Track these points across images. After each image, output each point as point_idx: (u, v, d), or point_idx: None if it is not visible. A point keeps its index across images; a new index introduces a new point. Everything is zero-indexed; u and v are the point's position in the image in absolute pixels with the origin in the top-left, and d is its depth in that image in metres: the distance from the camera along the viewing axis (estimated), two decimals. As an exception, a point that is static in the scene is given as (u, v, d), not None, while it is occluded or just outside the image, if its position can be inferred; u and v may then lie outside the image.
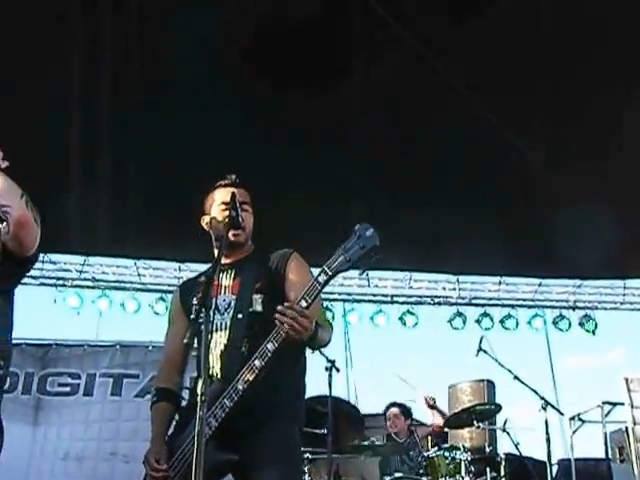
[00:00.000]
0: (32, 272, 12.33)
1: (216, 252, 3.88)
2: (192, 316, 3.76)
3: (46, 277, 12.26)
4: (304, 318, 3.38)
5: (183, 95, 8.45)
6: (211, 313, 3.36)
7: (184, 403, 4.03)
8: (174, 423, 3.93)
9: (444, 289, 12.64)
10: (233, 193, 3.77)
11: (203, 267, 11.49)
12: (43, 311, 12.11)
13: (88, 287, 12.32)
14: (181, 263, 12.16)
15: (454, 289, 12.58)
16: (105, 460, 9.71)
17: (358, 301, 12.56)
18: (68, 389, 10.17)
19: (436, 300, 12.58)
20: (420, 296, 12.65)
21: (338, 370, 6.96)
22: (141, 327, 12.63)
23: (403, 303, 12.62)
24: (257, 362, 3.44)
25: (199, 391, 3.10)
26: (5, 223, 3.48)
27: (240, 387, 3.46)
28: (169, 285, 12.18)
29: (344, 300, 12.44)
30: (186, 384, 4.12)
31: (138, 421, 9.49)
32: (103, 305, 12.24)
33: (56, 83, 8.08)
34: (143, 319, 12.18)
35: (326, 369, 6.84)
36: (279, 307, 3.41)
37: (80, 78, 8.19)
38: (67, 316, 12.22)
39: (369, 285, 12.45)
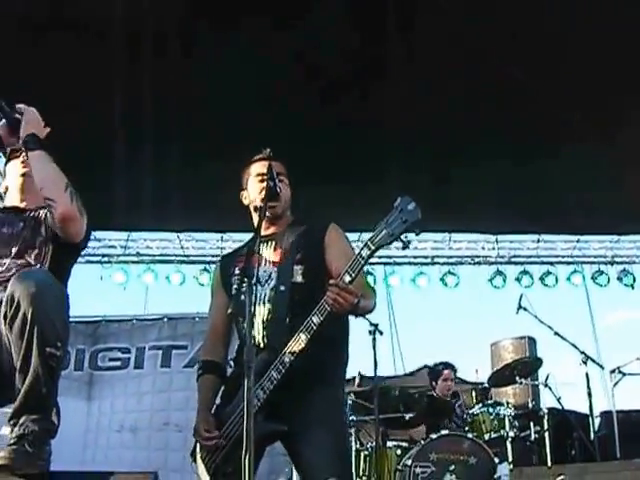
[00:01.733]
0: (78, 251, 12.56)
1: (256, 224, 3.96)
2: (235, 286, 3.94)
3: (91, 255, 12.40)
4: (348, 293, 3.46)
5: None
6: (254, 284, 3.38)
7: (230, 373, 4.12)
8: (220, 393, 4.01)
9: (483, 249, 12.67)
10: (270, 164, 3.84)
11: (245, 236, 11.65)
12: (90, 288, 12.29)
13: (133, 262, 12.49)
14: (223, 233, 12.31)
15: (493, 248, 12.60)
16: (159, 430, 9.95)
17: (399, 264, 12.60)
18: (119, 363, 10.40)
19: (476, 260, 12.62)
20: (460, 256, 12.67)
21: (381, 333, 7.10)
22: (187, 298, 12.79)
23: (444, 264, 12.65)
24: (303, 335, 3.52)
25: (245, 358, 3.16)
26: (51, 215, 3.68)
27: (287, 360, 3.53)
28: (212, 256, 12.32)
29: (385, 263, 12.47)
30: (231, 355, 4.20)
31: (188, 391, 9.60)
32: (149, 279, 12.42)
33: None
34: (188, 290, 12.34)
35: (370, 333, 6.99)
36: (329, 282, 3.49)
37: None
38: (114, 292, 12.45)
39: (409, 247, 12.45)
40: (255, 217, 4.09)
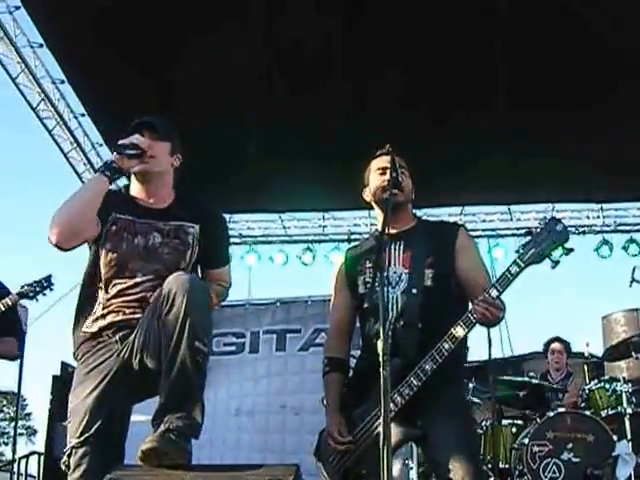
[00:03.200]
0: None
1: (380, 220, 4.08)
2: (366, 284, 3.97)
3: (197, 238, 12.60)
4: (496, 308, 3.53)
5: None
6: (386, 283, 3.45)
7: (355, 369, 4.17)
8: (348, 391, 4.05)
9: (588, 218, 12.47)
10: (392, 157, 3.87)
11: (346, 214, 11.70)
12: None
13: (236, 244, 12.65)
14: (325, 212, 12.39)
15: (598, 217, 12.38)
16: (276, 413, 10.03)
17: (502, 236, 12.47)
18: (234, 348, 10.50)
19: (580, 229, 12.41)
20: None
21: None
22: (290, 279, 12.92)
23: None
24: (446, 345, 3.58)
25: (380, 351, 3.14)
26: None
27: (428, 367, 3.59)
28: (315, 235, 12.48)
29: (488, 236, 12.37)
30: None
31: (303, 374, 9.77)
32: (252, 260, 12.59)
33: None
34: (292, 270, 12.44)
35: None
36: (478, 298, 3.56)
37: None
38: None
39: (512, 219, 12.35)
40: (379, 212, 4.14)
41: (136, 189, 3.98)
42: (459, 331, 3.59)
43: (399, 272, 3.92)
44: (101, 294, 3.81)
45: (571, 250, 3.55)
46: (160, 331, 3.47)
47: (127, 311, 3.76)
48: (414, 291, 3.84)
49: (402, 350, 3.71)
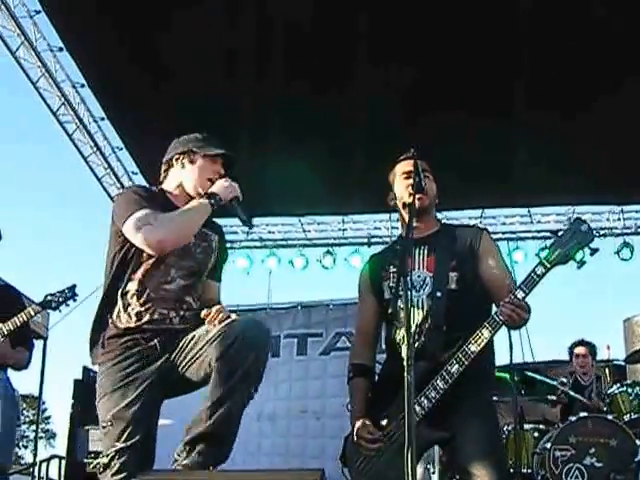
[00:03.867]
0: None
1: (405, 225, 4.07)
2: (390, 289, 3.98)
3: (215, 241, 12.65)
4: (522, 310, 3.53)
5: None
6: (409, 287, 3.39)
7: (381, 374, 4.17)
8: (373, 396, 4.05)
9: (608, 220, 12.40)
10: (415, 161, 3.84)
11: (365, 218, 11.70)
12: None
13: (256, 247, 12.68)
14: (344, 216, 12.38)
15: (619, 219, 12.32)
16: (297, 418, 10.05)
17: (522, 239, 12.44)
18: (255, 352, 10.40)
19: (601, 232, 12.35)
20: (585, 229, 12.39)
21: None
22: (310, 282, 12.93)
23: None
24: (473, 347, 3.58)
25: (405, 355, 3.18)
26: None
27: (454, 370, 3.58)
28: (334, 238, 12.47)
29: (508, 239, 12.33)
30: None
31: (325, 378, 9.76)
32: (272, 263, 12.57)
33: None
34: (312, 274, 12.45)
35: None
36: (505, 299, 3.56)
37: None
38: (237, 277, 12.59)
39: (532, 222, 12.31)
40: (403, 217, 4.14)
41: (175, 192, 4.07)
42: (485, 333, 3.58)
43: (423, 276, 3.92)
44: (133, 285, 3.82)
45: (596, 250, 3.55)
46: (219, 365, 3.50)
47: (164, 312, 3.82)
48: (439, 294, 3.85)
49: (428, 353, 3.73)
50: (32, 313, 5.68)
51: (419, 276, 3.92)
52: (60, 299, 5.79)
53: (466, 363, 3.58)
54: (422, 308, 3.86)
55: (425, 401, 3.60)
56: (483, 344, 3.58)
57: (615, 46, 8.08)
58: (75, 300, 5.91)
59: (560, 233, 3.56)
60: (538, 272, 3.52)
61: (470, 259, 3.95)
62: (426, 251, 4.00)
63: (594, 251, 3.57)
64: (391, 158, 4.31)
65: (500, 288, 3.77)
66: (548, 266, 3.52)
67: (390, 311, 3.95)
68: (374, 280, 4.18)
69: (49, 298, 5.78)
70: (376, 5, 7.93)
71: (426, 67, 8.46)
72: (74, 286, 5.89)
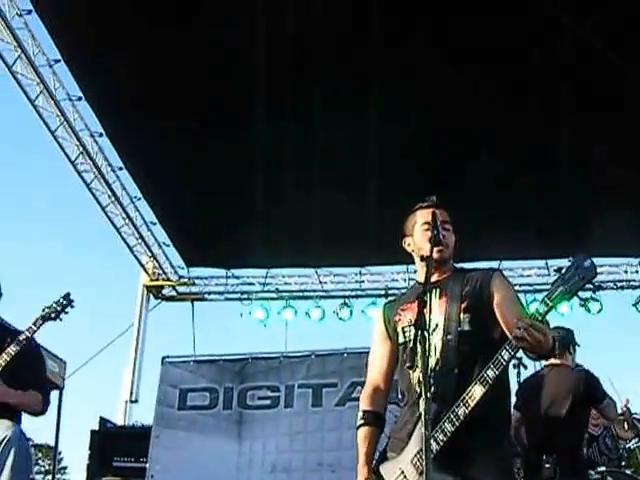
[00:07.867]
0: (217, 288, 12.89)
1: (420, 273, 4.02)
2: (404, 336, 3.95)
3: (230, 292, 12.72)
4: (535, 330, 3.36)
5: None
6: (426, 334, 3.35)
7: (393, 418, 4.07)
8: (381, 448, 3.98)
9: (626, 272, 12.36)
10: (434, 212, 3.83)
11: (382, 269, 11.67)
12: (229, 325, 12.52)
13: (272, 299, 12.67)
14: (361, 267, 12.37)
15: (636, 271, 12.28)
16: (313, 471, 9.84)
17: (539, 291, 12.37)
18: (269, 402, 10.38)
19: (619, 284, 12.30)
20: (602, 281, 12.37)
21: (526, 367, 6.99)
22: (327, 334, 12.88)
23: (585, 290, 12.28)
24: (477, 388, 3.51)
25: (422, 410, 3.13)
26: None
27: (461, 412, 3.52)
28: (351, 290, 12.48)
29: (525, 291, 12.28)
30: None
31: (341, 430, 9.57)
32: (288, 315, 12.55)
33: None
34: (328, 326, 12.41)
35: (514, 367, 6.89)
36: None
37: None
38: (254, 329, 12.59)
39: (549, 274, 12.27)
40: (420, 265, 4.10)
41: None
42: (489, 373, 3.51)
43: (435, 320, 3.86)
44: None
45: (599, 287, 3.51)
46: None
47: None
48: (449, 337, 3.79)
49: (439, 395, 3.60)
50: (28, 334, 5.62)
51: (431, 320, 3.80)
52: (57, 308, 5.76)
53: (471, 405, 3.51)
54: (435, 351, 3.80)
55: (433, 444, 3.54)
56: (488, 385, 3.51)
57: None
58: (72, 307, 5.88)
59: (563, 270, 3.48)
60: (540, 310, 3.46)
61: (482, 299, 3.87)
62: (438, 294, 3.95)
63: (597, 288, 3.52)
64: (409, 208, 4.28)
65: (513, 318, 3.69)
66: (550, 304, 3.45)
67: (404, 357, 3.91)
68: (388, 325, 4.12)
69: (47, 310, 5.75)
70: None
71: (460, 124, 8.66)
72: (68, 294, 5.86)
